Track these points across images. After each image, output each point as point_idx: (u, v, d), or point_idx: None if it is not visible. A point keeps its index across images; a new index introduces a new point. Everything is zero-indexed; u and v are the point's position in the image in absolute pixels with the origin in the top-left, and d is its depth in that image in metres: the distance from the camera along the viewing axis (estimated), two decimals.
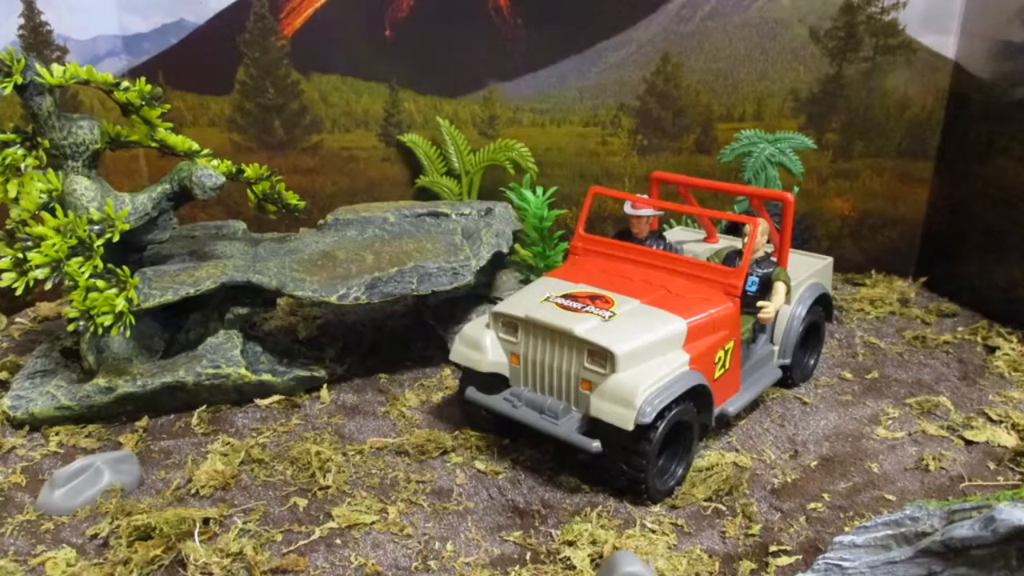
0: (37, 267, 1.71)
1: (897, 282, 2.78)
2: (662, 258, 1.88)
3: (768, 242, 2.00)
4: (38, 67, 1.82)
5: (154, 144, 2.07)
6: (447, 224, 2.28)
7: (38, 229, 1.75)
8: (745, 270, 1.78)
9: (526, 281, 2.39)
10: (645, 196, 2.05)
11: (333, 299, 1.93)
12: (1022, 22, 2.33)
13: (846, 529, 1.52)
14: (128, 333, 1.76)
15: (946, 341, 2.33)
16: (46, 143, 1.87)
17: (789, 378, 2.03)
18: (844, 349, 2.31)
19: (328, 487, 1.66)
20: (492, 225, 2.24)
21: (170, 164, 2.09)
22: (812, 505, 1.62)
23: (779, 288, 1.88)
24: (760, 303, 1.85)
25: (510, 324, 1.74)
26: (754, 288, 1.92)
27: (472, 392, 1.78)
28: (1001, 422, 1.91)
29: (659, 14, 2.69)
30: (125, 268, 1.81)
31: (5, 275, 1.71)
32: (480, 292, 2.33)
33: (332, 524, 1.55)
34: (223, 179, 2.00)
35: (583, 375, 1.63)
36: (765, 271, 1.93)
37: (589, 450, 1.58)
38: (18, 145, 1.87)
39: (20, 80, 1.79)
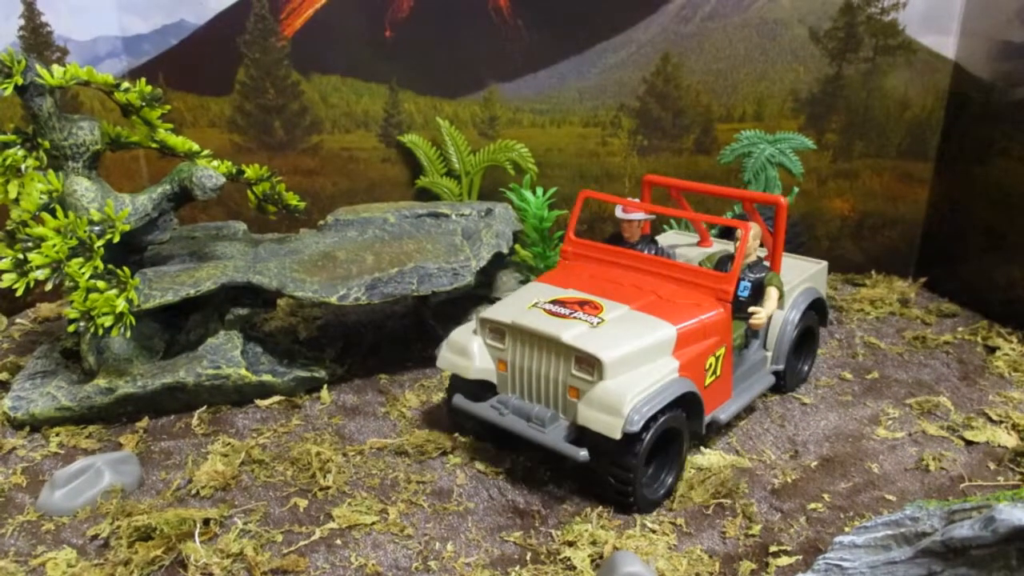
0: (37, 268, 1.72)
1: (897, 282, 2.78)
2: (653, 263, 1.86)
3: (761, 246, 1.99)
4: (38, 68, 1.82)
5: (154, 145, 2.07)
6: (447, 225, 2.28)
7: (38, 230, 1.75)
8: (736, 275, 1.75)
9: (526, 282, 2.39)
10: (636, 200, 2.03)
11: (333, 300, 1.93)
12: (1022, 22, 2.33)
13: (846, 529, 1.52)
14: (128, 334, 1.76)
15: (946, 341, 2.34)
16: (46, 144, 1.87)
17: (782, 384, 2.01)
18: (844, 349, 2.31)
19: (328, 488, 1.66)
20: (492, 226, 2.24)
21: (170, 165, 2.10)
22: (812, 505, 1.62)
23: (771, 293, 1.87)
24: (752, 308, 1.83)
25: (497, 330, 1.72)
26: (746, 293, 1.90)
27: (459, 399, 1.75)
28: (1001, 422, 1.91)
29: (659, 14, 2.69)
30: (125, 269, 1.81)
31: (5, 276, 1.71)
32: (480, 293, 2.33)
33: (332, 525, 1.55)
34: (223, 180, 2.01)
35: (571, 382, 1.61)
36: (757, 276, 1.91)
37: (576, 459, 1.55)
38: (19, 146, 1.87)
39: (20, 81, 1.79)
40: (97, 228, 1.81)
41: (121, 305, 1.74)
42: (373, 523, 1.56)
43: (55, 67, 1.84)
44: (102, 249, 1.78)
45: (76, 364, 2.01)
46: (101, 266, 1.77)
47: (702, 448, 1.80)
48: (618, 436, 1.49)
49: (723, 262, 1.98)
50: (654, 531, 1.54)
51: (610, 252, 1.93)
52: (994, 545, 1.15)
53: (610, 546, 1.47)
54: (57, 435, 1.86)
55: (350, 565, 1.46)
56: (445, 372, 2.15)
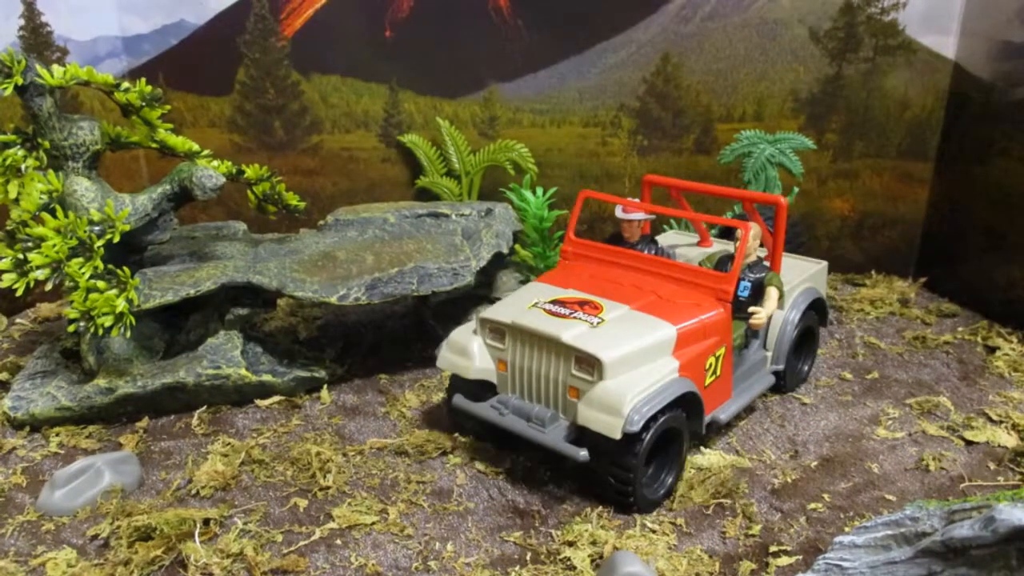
0: (37, 268, 1.72)
1: (897, 282, 2.78)
2: (653, 263, 1.86)
3: (761, 246, 1.99)
4: (38, 68, 1.82)
5: (154, 145, 2.07)
6: (447, 225, 2.28)
7: (38, 230, 1.75)
8: (736, 275, 1.75)
9: (526, 282, 2.39)
10: (636, 200, 2.03)
11: (333, 300, 1.93)
12: (1022, 22, 2.33)
13: (846, 529, 1.52)
14: (128, 334, 1.76)
15: (946, 341, 2.34)
16: (46, 144, 1.87)
17: (782, 384, 2.01)
18: (844, 349, 2.31)
19: (328, 488, 1.66)
20: (492, 226, 2.24)
21: (170, 165, 2.10)
22: (812, 505, 1.62)
23: (771, 293, 1.87)
24: (752, 308, 1.83)
25: (497, 330, 1.72)
26: (746, 293, 1.90)
27: (459, 399, 1.75)
28: (1001, 422, 1.91)
29: (659, 14, 2.69)
30: (125, 269, 1.81)
31: (5, 276, 1.71)
32: (480, 293, 2.33)
33: (332, 525, 1.55)
34: (223, 180, 2.01)
35: (571, 382, 1.61)
36: (757, 276, 1.91)
37: (576, 459, 1.55)
38: (19, 146, 1.87)
39: (20, 81, 1.79)
40: (97, 228, 1.81)
41: (121, 305, 1.74)
42: (373, 523, 1.56)
43: (55, 67, 1.84)
44: (102, 249, 1.79)
45: (76, 364, 2.01)
46: (101, 266, 1.77)
47: (702, 448, 1.80)
48: (618, 436, 1.49)
49: (723, 262, 1.98)
50: (654, 531, 1.54)
51: (610, 252, 1.93)
52: (994, 545, 1.15)
53: (610, 546, 1.47)
54: (57, 435, 1.86)
55: (350, 565, 1.46)
56: (445, 372, 2.15)
